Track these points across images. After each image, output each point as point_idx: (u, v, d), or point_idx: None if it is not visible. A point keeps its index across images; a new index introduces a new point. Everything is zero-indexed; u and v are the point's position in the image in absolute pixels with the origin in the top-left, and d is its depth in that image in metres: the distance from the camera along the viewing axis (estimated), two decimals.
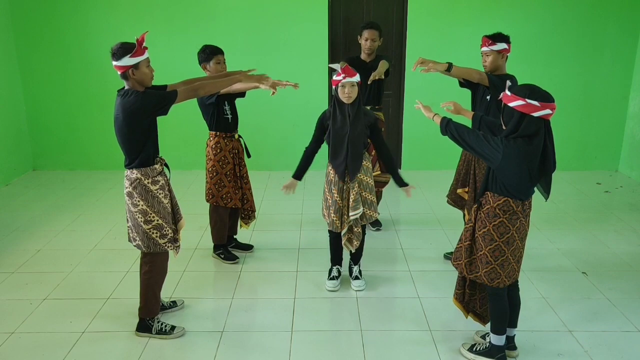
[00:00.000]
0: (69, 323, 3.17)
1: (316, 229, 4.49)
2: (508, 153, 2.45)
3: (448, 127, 2.70)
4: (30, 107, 6.22)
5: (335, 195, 3.36)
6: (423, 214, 5.00)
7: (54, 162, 6.38)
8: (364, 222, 3.45)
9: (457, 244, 2.80)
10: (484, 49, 3.50)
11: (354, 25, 6.14)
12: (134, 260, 3.97)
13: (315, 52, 6.05)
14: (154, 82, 2.90)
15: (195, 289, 3.57)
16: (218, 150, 3.74)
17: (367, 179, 3.39)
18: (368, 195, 3.40)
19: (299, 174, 3.55)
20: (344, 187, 3.36)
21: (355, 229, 3.42)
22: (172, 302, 3.33)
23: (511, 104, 2.45)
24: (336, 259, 3.65)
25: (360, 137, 3.28)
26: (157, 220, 2.87)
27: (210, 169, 3.78)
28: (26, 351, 2.91)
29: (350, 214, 3.34)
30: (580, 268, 3.89)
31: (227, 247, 4.05)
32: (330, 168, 3.40)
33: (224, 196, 3.80)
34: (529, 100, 2.39)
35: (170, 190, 2.99)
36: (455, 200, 3.84)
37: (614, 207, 5.19)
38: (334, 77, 3.21)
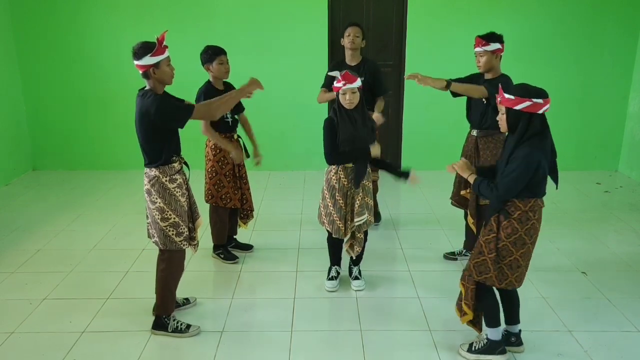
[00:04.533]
0: (68, 323, 3.17)
1: (316, 229, 4.47)
2: (539, 157, 2.45)
3: (487, 187, 2.59)
4: (30, 107, 6.21)
5: (341, 201, 3.31)
6: (423, 214, 5.00)
7: (54, 162, 6.38)
8: (365, 228, 3.42)
9: (475, 259, 2.67)
10: (478, 49, 3.47)
11: None
12: (134, 260, 3.97)
13: (315, 52, 6.05)
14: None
15: (195, 289, 3.56)
16: (217, 151, 3.75)
17: (368, 183, 3.37)
18: (369, 200, 3.38)
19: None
20: (348, 193, 3.32)
21: (358, 235, 3.39)
22: (185, 299, 3.34)
23: (517, 107, 2.44)
24: (335, 259, 3.64)
25: (367, 142, 3.25)
26: (174, 218, 2.88)
27: (209, 170, 3.79)
28: (26, 351, 2.91)
29: (356, 220, 3.30)
30: (580, 268, 3.89)
31: (226, 247, 4.05)
32: (332, 174, 3.34)
33: (223, 196, 3.80)
34: (535, 100, 2.41)
35: (188, 189, 3.01)
36: (459, 201, 3.84)
37: (613, 207, 5.18)
38: (334, 84, 3.18)
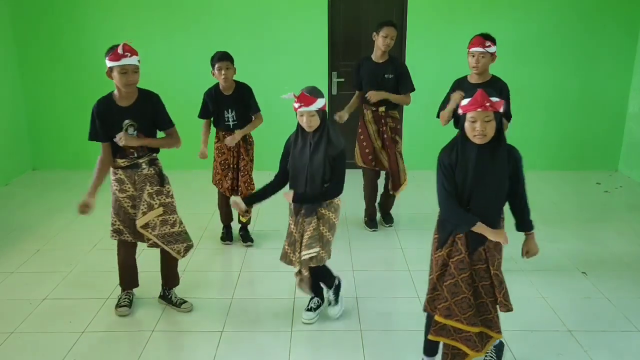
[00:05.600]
0: (68, 323, 3.17)
1: None
2: None
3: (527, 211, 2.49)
4: (30, 107, 6.21)
5: (292, 225, 3.00)
6: (423, 214, 5.00)
7: (54, 162, 6.37)
8: (314, 264, 2.95)
9: (501, 290, 2.40)
10: (478, 49, 3.43)
11: (354, 25, 6.14)
12: None
13: (315, 52, 6.04)
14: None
15: (195, 289, 3.56)
16: (216, 140, 4.09)
17: (329, 214, 2.95)
18: (326, 233, 2.94)
19: (250, 200, 3.07)
20: (300, 220, 2.96)
21: (305, 273, 2.96)
22: (183, 301, 3.33)
23: (502, 109, 2.27)
24: (314, 288, 3.18)
25: (319, 169, 2.85)
26: (111, 209, 3.14)
27: (214, 156, 4.11)
28: (26, 351, 2.91)
29: (303, 253, 2.90)
30: (580, 268, 3.89)
31: (230, 228, 4.29)
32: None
33: (217, 182, 4.11)
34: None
35: (139, 189, 3.06)
36: None
37: (613, 207, 5.19)
38: (293, 104, 2.85)
